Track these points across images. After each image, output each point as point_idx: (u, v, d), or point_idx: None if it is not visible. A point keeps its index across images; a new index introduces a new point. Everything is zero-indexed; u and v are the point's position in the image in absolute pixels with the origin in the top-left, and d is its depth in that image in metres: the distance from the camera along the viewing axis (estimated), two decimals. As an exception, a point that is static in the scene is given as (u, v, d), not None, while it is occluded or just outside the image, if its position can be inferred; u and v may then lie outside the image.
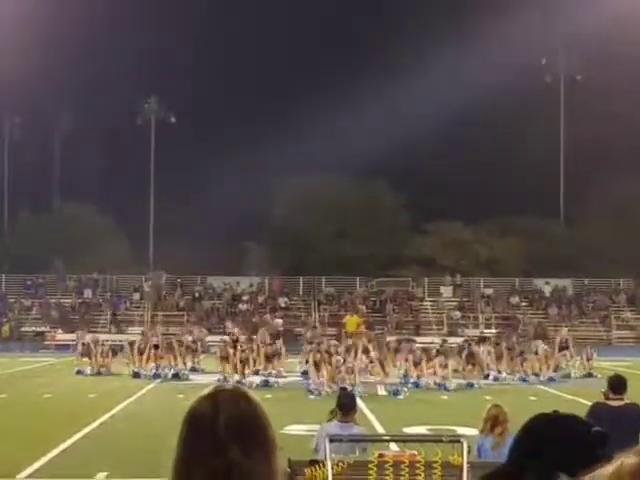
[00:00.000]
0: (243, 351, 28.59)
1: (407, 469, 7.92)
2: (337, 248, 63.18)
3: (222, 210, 58.00)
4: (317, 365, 26.28)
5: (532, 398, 23.11)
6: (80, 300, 58.00)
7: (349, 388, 20.02)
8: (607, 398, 9.93)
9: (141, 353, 30.48)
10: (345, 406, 10.05)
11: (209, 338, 34.31)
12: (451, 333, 49.11)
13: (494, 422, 9.84)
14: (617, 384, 9.92)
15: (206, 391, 2.25)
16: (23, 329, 52.98)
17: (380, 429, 17.21)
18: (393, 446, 10.92)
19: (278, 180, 63.47)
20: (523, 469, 2.18)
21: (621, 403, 9.74)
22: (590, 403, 10.63)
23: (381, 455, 8.25)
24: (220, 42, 70.81)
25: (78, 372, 30.86)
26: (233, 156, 64.29)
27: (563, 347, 32.41)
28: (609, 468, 1.69)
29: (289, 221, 64.25)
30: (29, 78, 61.01)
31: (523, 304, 57.96)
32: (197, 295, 58.99)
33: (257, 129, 67.21)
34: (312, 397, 23.83)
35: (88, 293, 59.07)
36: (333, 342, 29.44)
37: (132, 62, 65.00)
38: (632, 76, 61.70)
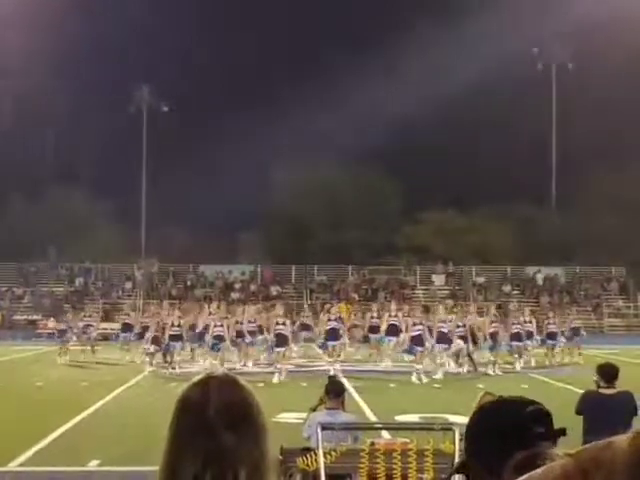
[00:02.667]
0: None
1: (399, 457, 7.94)
2: (330, 236, 63.23)
3: (214, 198, 57.92)
4: None
5: (524, 386, 23.14)
6: (72, 288, 58.01)
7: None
8: (599, 386, 9.93)
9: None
10: (333, 392, 10.05)
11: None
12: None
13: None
14: (608, 372, 9.92)
15: (197, 378, 2.25)
16: (15, 317, 52.94)
17: (372, 417, 17.22)
18: (385, 434, 10.95)
19: (271, 168, 63.45)
20: (471, 461, 2.21)
21: (613, 391, 9.75)
22: (582, 391, 10.66)
23: (373, 443, 8.27)
24: (215, 28, 70.61)
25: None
26: (226, 144, 64.18)
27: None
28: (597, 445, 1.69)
29: (282, 209, 64.28)
30: (21, 63, 60.80)
31: (515, 292, 58.10)
32: (189, 284, 59.02)
33: (251, 116, 67.05)
34: None
35: (80, 281, 59.07)
36: None
37: (125, 50, 64.80)
38: (624, 64, 61.73)
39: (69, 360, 31.10)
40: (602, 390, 9.80)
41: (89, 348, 32.40)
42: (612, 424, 8.96)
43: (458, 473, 2.29)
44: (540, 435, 2.15)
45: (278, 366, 25.85)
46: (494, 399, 2.30)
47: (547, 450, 2.14)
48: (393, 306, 30.84)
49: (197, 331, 29.42)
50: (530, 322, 31.11)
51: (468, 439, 2.27)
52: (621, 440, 1.63)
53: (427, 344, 26.98)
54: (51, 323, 36.41)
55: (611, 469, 1.59)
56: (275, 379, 24.67)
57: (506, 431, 2.16)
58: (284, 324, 26.89)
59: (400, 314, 29.40)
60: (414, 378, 25.48)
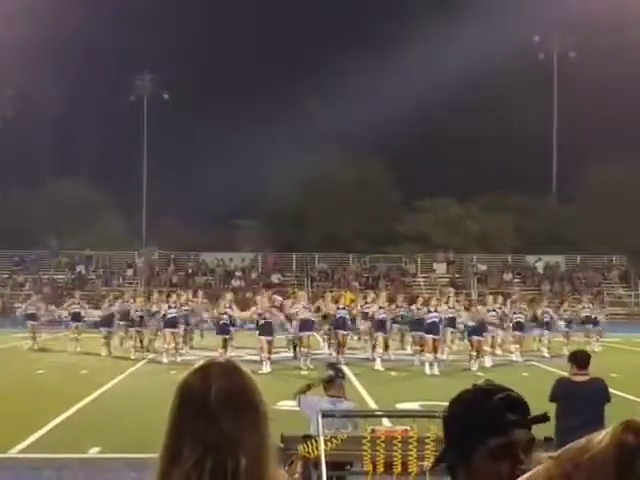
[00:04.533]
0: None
1: (400, 444, 7.94)
2: (330, 225, 63.19)
3: (215, 186, 57.92)
4: None
5: (524, 374, 23.18)
6: (73, 276, 58.00)
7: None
8: (571, 374, 9.95)
9: None
10: (333, 381, 10.02)
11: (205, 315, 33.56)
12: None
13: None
14: (580, 360, 9.93)
15: (198, 364, 2.24)
16: (16, 305, 52.90)
17: (373, 405, 17.23)
18: (386, 422, 10.94)
19: (272, 157, 63.32)
20: (447, 449, 2.22)
21: (585, 378, 9.77)
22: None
23: (374, 431, 8.27)
24: (215, 20, 70.48)
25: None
26: (226, 133, 64.16)
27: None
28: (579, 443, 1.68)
29: (283, 197, 64.22)
30: (21, 53, 60.66)
31: (516, 280, 58.09)
32: (190, 271, 59.03)
33: (251, 107, 67.05)
34: None
35: (81, 269, 59.08)
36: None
37: (125, 37, 64.70)
38: (625, 53, 61.63)
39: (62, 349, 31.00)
40: (574, 377, 9.82)
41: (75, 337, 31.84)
42: (584, 411, 9.03)
43: (440, 462, 2.29)
44: (512, 423, 2.14)
45: (263, 355, 25.25)
46: (469, 388, 2.30)
47: (521, 438, 2.14)
48: (383, 296, 28.43)
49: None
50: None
51: (444, 428, 2.27)
52: (600, 437, 1.63)
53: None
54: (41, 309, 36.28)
55: (591, 468, 1.59)
56: (263, 369, 23.99)
57: (475, 419, 2.15)
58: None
59: (392, 306, 27.97)
60: (427, 368, 24.99)
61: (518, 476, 1.99)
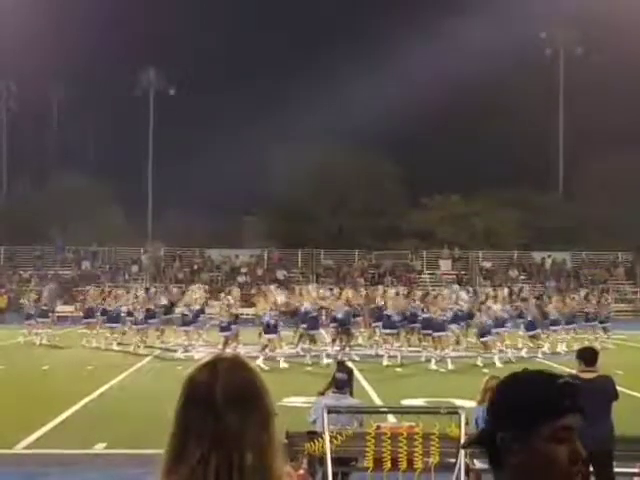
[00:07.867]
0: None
1: (405, 441, 7.94)
2: (336, 221, 63.13)
3: (221, 182, 57.82)
4: None
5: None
6: (79, 272, 58.02)
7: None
8: (579, 371, 9.93)
9: None
10: (341, 382, 9.99)
11: (208, 311, 33.45)
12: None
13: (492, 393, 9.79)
14: (588, 356, 9.90)
15: (205, 359, 2.24)
16: (21, 301, 52.90)
17: (378, 401, 17.22)
18: (391, 418, 10.95)
19: (277, 152, 63.26)
20: (498, 430, 2.21)
21: (593, 375, 9.73)
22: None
23: (379, 427, 8.28)
24: (219, 14, 70.45)
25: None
26: (232, 128, 64.10)
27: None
28: None
29: (288, 193, 64.09)
30: (27, 48, 60.66)
31: (522, 277, 58.00)
32: (196, 267, 59.01)
33: (256, 101, 66.96)
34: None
35: (86, 265, 59.09)
36: None
37: (131, 32, 64.65)
38: (631, 50, 61.47)
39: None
40: (582, 374, 9.79)
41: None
42: (591, 408, 8.97)
43: (475, 444, 2.30)
44: (568, 407, 2.20)
45: (267, 351, 25.33)
46: (520, 371, 2.33)
47: (575, 422, 2.20)
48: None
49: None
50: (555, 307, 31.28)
51: (496, 411, 2.27)
52: None
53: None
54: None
55: None
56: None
57: (537, 402, 2.18)
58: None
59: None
60: (432, 364, 25.03)
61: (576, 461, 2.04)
